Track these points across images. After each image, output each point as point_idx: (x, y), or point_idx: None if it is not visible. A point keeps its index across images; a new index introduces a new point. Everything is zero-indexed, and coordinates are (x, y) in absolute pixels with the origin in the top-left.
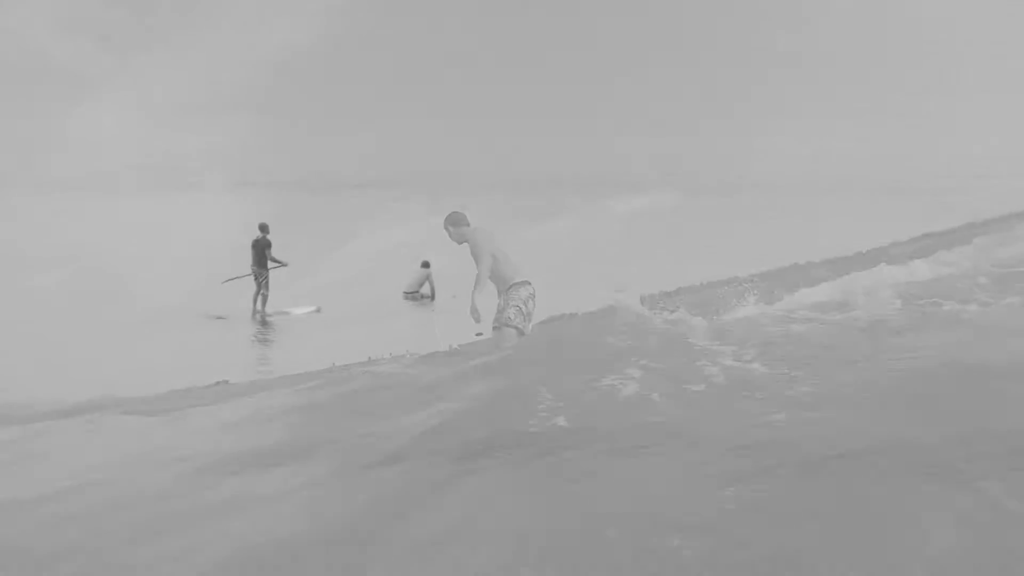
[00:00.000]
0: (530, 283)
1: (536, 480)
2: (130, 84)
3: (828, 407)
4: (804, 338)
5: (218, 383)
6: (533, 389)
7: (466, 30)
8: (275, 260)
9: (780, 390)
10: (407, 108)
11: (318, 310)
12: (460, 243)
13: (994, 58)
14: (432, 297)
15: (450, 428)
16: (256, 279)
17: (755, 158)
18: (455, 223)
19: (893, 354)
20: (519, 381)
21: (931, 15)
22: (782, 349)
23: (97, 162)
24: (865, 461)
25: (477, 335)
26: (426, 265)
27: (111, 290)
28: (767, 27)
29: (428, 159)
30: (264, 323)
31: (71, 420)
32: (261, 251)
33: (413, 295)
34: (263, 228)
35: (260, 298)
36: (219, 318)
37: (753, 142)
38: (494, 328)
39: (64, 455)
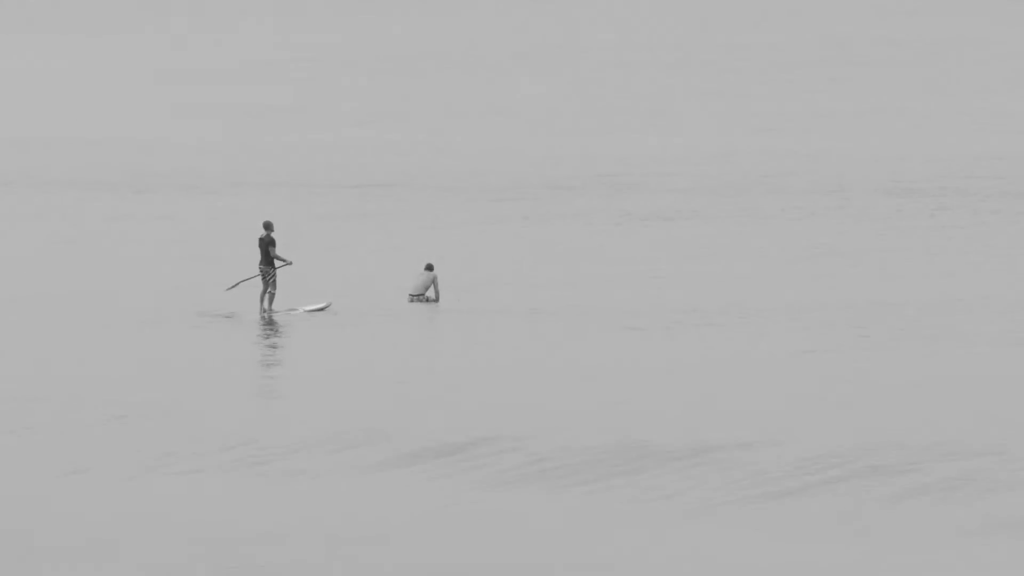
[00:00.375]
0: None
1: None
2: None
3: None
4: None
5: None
6: None
7: (465, 27)
8: (279, 258)
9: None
10: (406, 107)
11: (328, 306)
12: None
13: (995, 58)
14: (437, 300)
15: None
16: (264, 278)
17: (754, 157)
18: None
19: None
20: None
21: (927, 15)
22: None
23: (99, 161)
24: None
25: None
26: (430, 268)
27: (115, 290)
28: (766, 26)
29: (429, 159)
30: (271, 322)
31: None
32: (267, 249)
33: (419, 298)
34: (267, 226)
35: (267, 296)
36: (226, 317)
37: (751, 141)
38: None
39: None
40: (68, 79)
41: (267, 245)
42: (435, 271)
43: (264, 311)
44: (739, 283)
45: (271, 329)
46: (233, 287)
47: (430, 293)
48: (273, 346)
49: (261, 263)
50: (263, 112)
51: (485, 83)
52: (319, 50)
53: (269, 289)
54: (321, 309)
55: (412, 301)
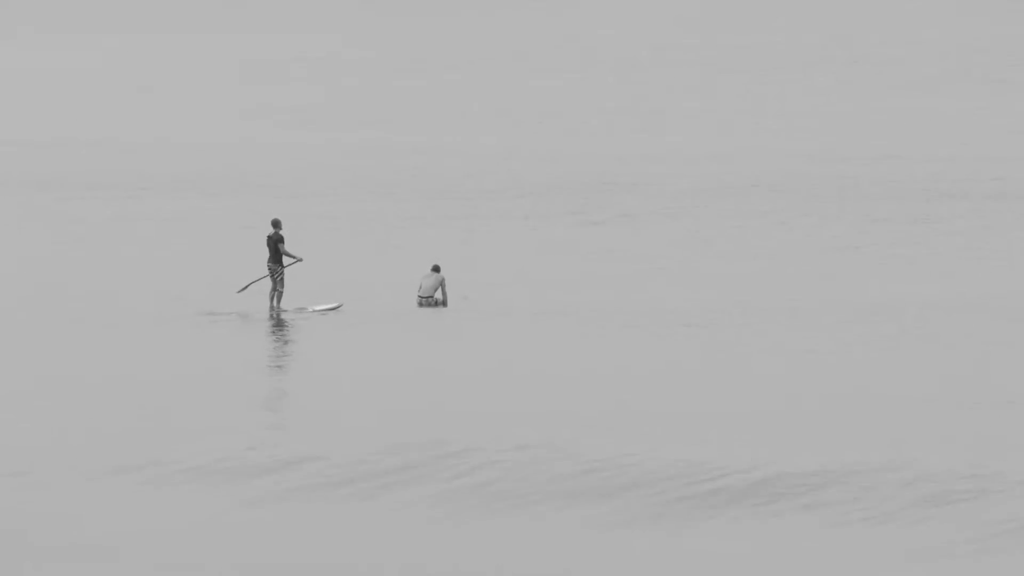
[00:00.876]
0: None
1: None
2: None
3: None
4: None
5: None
6: None
7: (466, 27)
8: (289, 255)
9: None
10: (406, 108)
11: (339, 307)
12: None
13: (996, 58)
14: (444, 303)
15: None
16: (272, 276)
17: (754, 157)
18: None
19: None
20: None
21: (927, 16)
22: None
23: (106, 163)
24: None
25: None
26: (436, 269)
27: (123, 290)
28: (767, 27)
29: (429, 160)
30: (280, 322)
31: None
32: (275, 246)
33: (428, 300)
34: (275, 224)
35: (275, 295)
36: (235, 316)
37: (751, 141)
38: None
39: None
40: (64, 81)
41: (275, 243)
42: (442, 272)
43: (273, 310)
44: (741, 283)
45: (280, 329)
46: (244, 289)
47: (438, 295)
48: (282, 348)
49: (269, 261)
50: (266, 114)
51: (486, 83)
52: (320, 51)
53: (277, 288)
54: (332, 309)
55: (421, 304)
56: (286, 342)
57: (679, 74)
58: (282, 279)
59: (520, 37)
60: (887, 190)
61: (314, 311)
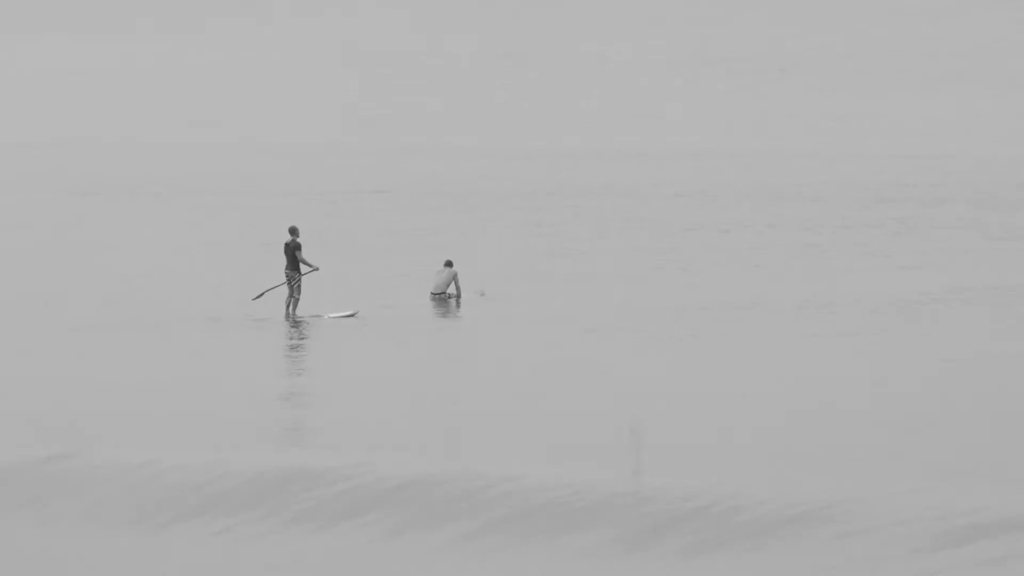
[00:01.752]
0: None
1: None
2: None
3: None
4: None
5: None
6: None
7: (468, 28)
8: (306, 263)
9: None
10: (408, 109)
11: (356, 314)
12: None
13: (997, 61)
14: (458, 296)
15: None
16: (289, 283)
17: (754, 158)
18: None
19: None
20: None
21: (927, 18)
22: None
23: (117, 165)
24: None
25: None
26: (449, 264)
27: (134, 293)
28: (765, 28)
29: (433, 162)
30: (296, 328)
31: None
32: (292, 254)
33: (440, 296)
34: (293, 231)
35: (292, 302)
36: (250, 322)
37: (750, 142)
38: None
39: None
40: (64, 81)
41: (293, 250)
42: (454, 267)
43: (289, 316)
44: (741, 284)
45: (296, 336)
46: (259, 296)
47: (451, 290)
48: (296, 354)
49: (287, 268)
50: (269, 115)
51: (489, 84)
52: (321, 53)
53: (294, 294)
54: (348, 316)
55: (434, 300)
56: (301, 348)
57: (678, 75)
58: (299, 286)
59: (522, 38)
60: (887, 190)
61: (330, 318)
